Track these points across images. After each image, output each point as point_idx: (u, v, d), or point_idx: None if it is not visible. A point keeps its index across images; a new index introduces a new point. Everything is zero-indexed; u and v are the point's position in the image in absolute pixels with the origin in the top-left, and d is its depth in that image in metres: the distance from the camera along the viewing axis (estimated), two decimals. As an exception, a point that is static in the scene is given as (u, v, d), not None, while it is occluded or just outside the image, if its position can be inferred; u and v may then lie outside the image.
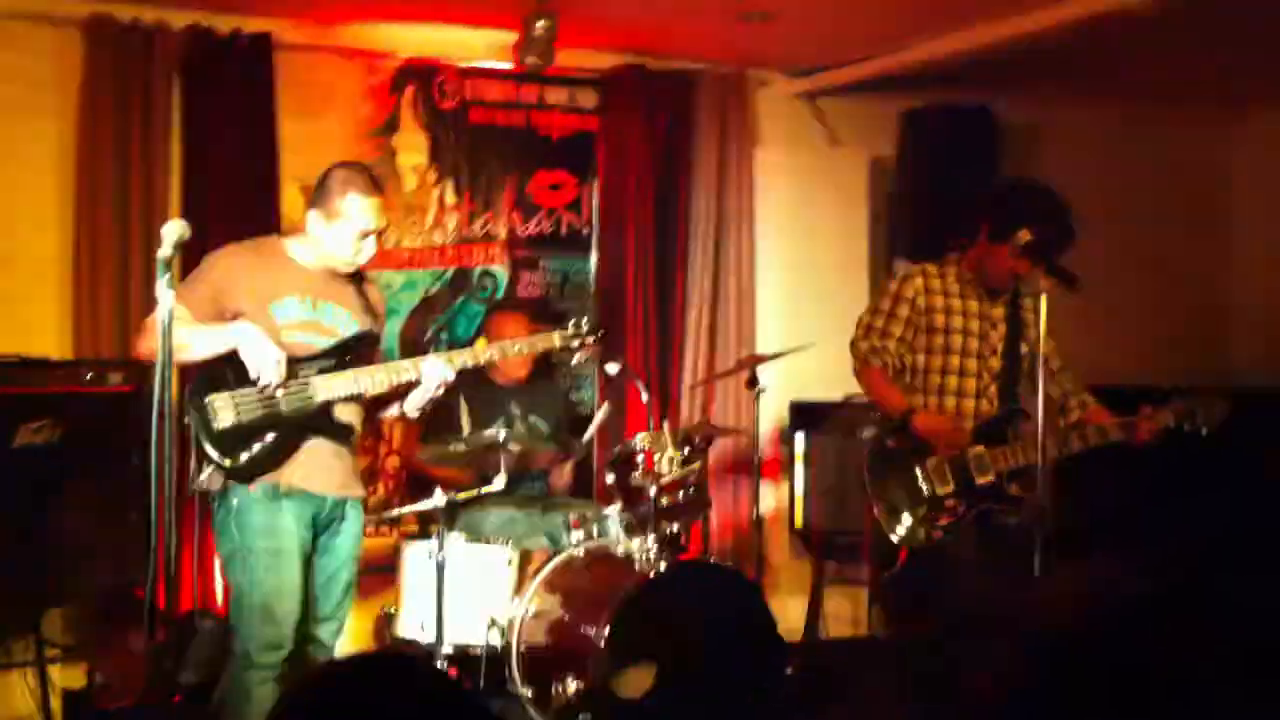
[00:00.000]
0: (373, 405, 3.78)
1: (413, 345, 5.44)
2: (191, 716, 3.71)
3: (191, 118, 5.09)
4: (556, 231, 5.82)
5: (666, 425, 4.72)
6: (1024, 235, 3.86)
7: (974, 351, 4.10)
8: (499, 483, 4.31)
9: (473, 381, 4.81)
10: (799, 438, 5.61)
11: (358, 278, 3.75)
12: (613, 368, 5.06)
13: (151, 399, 2.85)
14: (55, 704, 4.30)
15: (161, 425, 2.83)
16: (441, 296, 5.62)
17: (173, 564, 3.00)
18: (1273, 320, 6.34)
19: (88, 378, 4.28)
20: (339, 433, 3.61)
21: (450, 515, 4.23)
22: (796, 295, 6.08)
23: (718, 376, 5.63)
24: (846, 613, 5.70)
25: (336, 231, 3.57)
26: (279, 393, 3.46)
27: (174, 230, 2.97)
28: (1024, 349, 4.13)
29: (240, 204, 5.06)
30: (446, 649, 4.21)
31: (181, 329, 3.26)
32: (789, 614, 5.07)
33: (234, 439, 3.44)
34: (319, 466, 3.56)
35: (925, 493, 4.01)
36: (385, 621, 4.46)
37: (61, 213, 4.88)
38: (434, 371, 3.66)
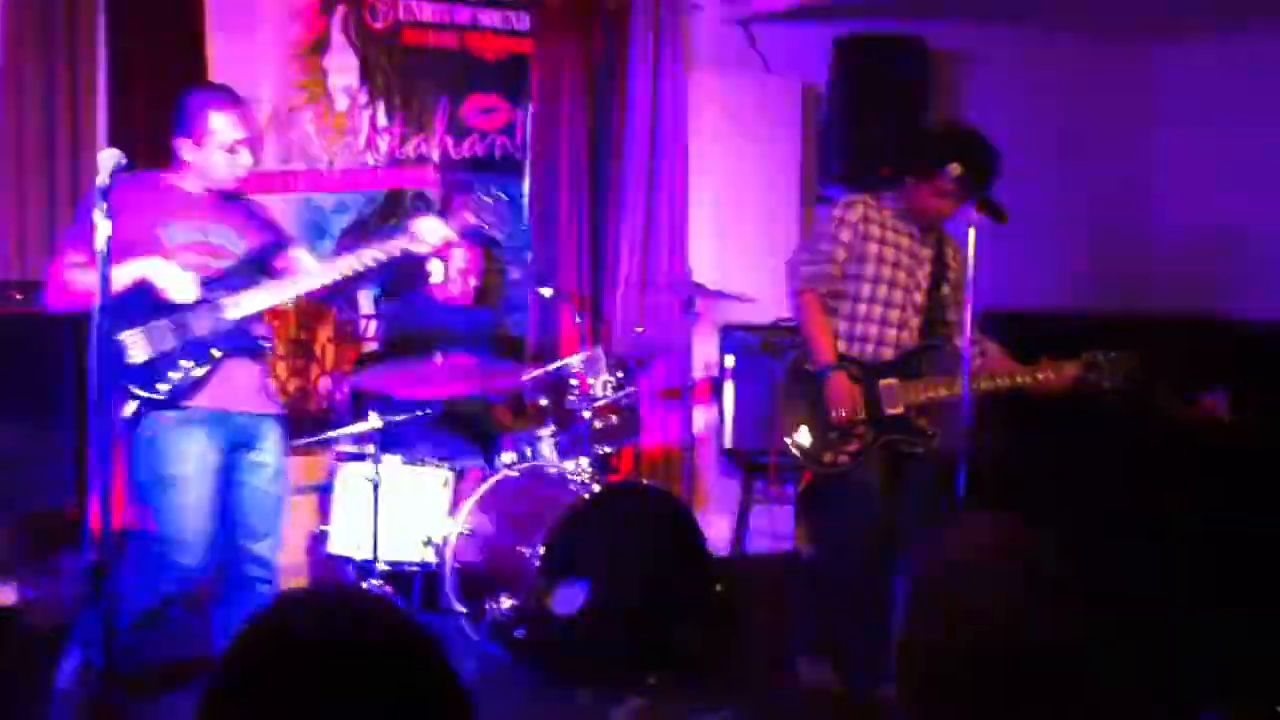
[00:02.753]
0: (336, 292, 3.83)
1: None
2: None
3: (118, 37, 5.00)
4: (490, 155, 5.81)
5: (600, 348, 4.77)
6: (955, 169, 3.94)
7: (901, 284, 4.20)
8: (431, 405, 4.35)
9: (414, 302, 4.85)
10: (729, 360, 5.69)
11: (241, 197, 3.79)
12: (545, 291, 5.10)
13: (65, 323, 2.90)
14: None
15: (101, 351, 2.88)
16: (374, 219, 5.60)
17: (107, 485, 3.05)
18: (1191, 245, 6.48)
19: (18, 299, 4.26)
20: (253, 350, 3.67)
21: (384, 437, 4.27)
22: (729, 220, 6.13)
23: (650, 298, 5.67)
24: (772, 530, 5.82)
25: (207, 152, 3.62)
26: (189, 316, 3.49)
27: (110, 158, 2.98)
28: (944, 290, 4.24)
29: (169, 125, 4.98)
30: (381, 566, 4.26)
31: (88, 275, 3.28)
32: (717, 532, 5.16)
33: (150, 371, 3.46)
34: (230, 385, 3.60)
35: (832, 418, 4.11)
36: (318, 539, 4.51)
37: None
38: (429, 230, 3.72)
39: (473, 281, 4.98)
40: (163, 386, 3.48)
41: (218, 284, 3.57)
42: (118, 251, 3.27)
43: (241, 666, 1.28)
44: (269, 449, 3.75)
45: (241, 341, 3.62)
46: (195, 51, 5.12)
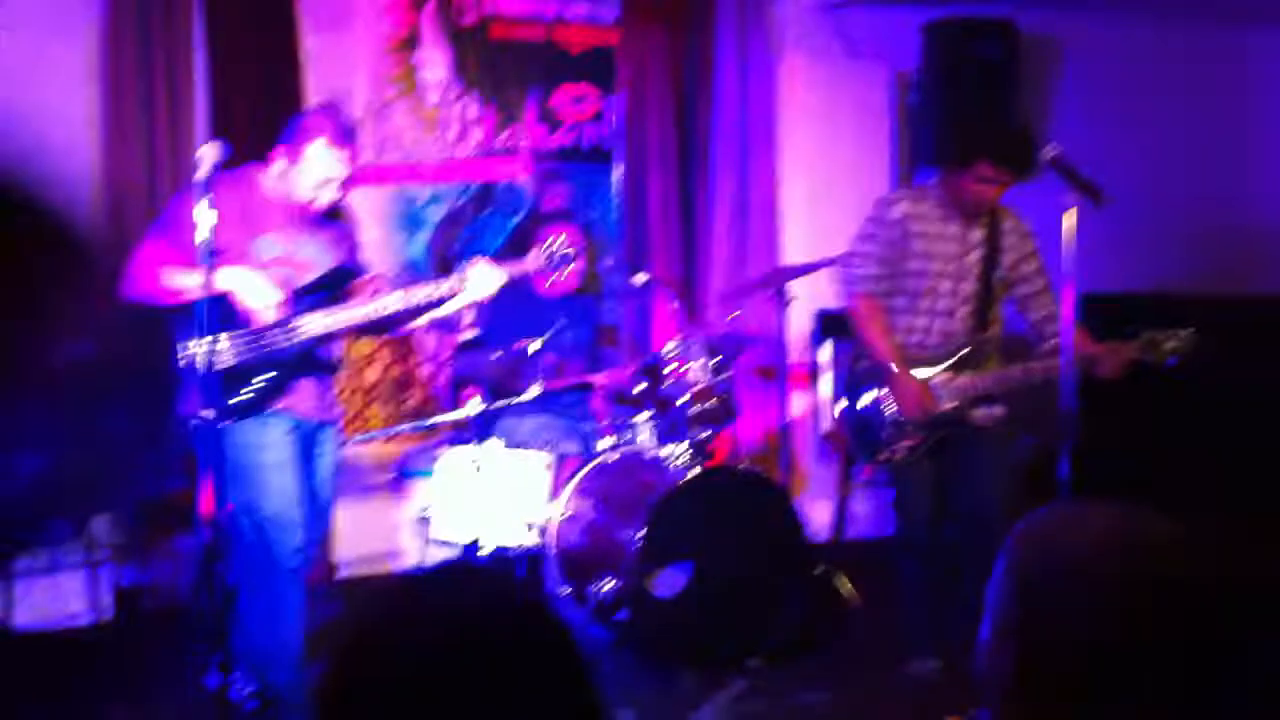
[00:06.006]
0: (385, 326, 3.87)
1: (440, 258, 5.50)
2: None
3: (214, 34, 5.09)
4: (580, 144, 5.84)
5: (695, 334, 4.77)
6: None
7: (949, 274, 4.18)
8: (533, 391, 4.38)
9: (515, 291, 4.88)
10: (825, 345, 5.67)
11: (333, 212, 3.80)
12: (640, 278, 5.11)
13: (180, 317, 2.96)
14: (106, 602, 4.43)
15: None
16: (467, 210, 5.65)
17: (217, 470, 3.12)
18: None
19: (125, 292, 4.34)
20: (326, 368, 3.76)
21: (486, 422, 4.30)
22: (820, 206, 6.10)
23: (747, 289, 5.66)
24: (873, 515, 5.79)
25: (296, 174, 3.64)
26: (268, 333, 3.55)
27: (211, 153, 3.03)
28: (1000, 273, 4.21)
29: (266, 121, 5.05)
30: (485, 550, 4.30)
31: (176, 273, 3.40)
32: (818, 517, 5.14)
33: (231, 380, 3.51)
34: (299, 395, 3.68)
35: (889, 416, 4.13)
36: (422, 524, 4.55)
37: (90, 134, 4.89)
38: (477, 283, 3.74)
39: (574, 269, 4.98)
40: (239, 397, 3.54)
41: (299, 300, 3.63)
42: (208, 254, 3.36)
43: (364, 647, 1.24)
44: (327, 454, 3.84)
45: (316, 358, 3.69)
46: (290, 47, 5.20)
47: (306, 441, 3.74)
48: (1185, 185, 6.47)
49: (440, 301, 3.78)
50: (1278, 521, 4.74)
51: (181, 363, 3.41)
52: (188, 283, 3.41)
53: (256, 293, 3.52)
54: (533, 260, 3.94)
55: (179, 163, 4.91)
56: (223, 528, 3.59)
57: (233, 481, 3.60)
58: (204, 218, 3.08)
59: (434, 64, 5.60)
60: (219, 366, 3.45)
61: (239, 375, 3.53)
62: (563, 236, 3.99)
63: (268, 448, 3.60)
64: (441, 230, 5.57)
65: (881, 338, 4.15)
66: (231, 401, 3.51)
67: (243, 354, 3.53)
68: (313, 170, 3.62)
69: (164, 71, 4.97)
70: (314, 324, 3.63)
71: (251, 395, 3.56)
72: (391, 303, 3.70)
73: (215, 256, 3.40)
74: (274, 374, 3.58)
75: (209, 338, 3.42)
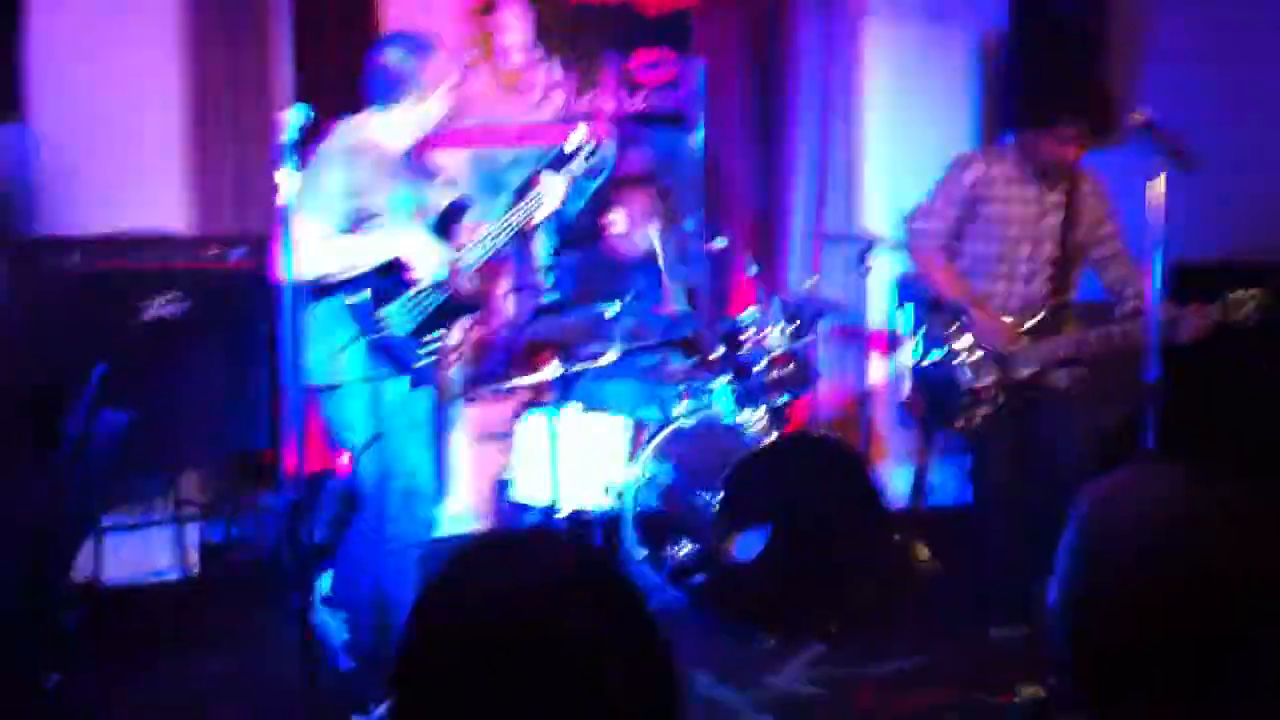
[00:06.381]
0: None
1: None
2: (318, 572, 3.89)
3: (298, 2, 5.12)
4: (659, 108, 5.82)
5: (774, 299, 4.75)
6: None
7: (1027, 238, 4.12)
8: (611, 355, 4.40)
9: (594, 254, 4.89)
10: (905, 310, 5.61)
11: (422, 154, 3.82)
12: (719, 242, 5.09)
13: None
14: (192, 558, 4.53)
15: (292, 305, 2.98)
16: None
17: (300, 430, 3.16)
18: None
19: (211, 254, 4.42)
20: (472, 305, 3.74)
21: (564, 386, 4.33)
22: (902, 172, 6.02)
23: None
24: (952, 483, 5.74)
25: (412, 116, 3.64)
26: (436, 288, 3.55)
27: (297, 116, 3.05)
28: (1078, 236, 4.14)
29: (347, 87, 5.08)
30: (563, 513, 4.34)
31: (343, 247, 3.41)
32: (895, 484, 5.11)
33: (412, 344, 3.53)
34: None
35: (964, 384, 4.10)
36: (501, 487, 4.60)
37: (182, 94, 4.95)
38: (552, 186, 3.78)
39: (654, 228, 4.97)
40: (424, 355, 3.54)
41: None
42: (344, 218, 3.38)
43: (437, 613, 1.27)
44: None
45: (462, 301, 3.67)
46: (370, 13, 5.22)
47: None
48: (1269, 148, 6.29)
49: (530, 220, 3.78)
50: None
51: (376, 332, 3.44)
52: (358, 254, 3.44)
53: (422, 254, 3.52)
54: (572, 142, 3.92)
55: (266, 120, 4.94)
56: (310, 485, 3.65)
57: (384, 440, 3.54)
58: (288, 182, 3.11)
59: (512, 28, 5.60)
60: (403, 329, 3.49)
61: (419, 335, 3.54)
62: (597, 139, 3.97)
63: (415, 409, 3.59)
64: (519, 194, 5.58)
65: (953, 282, 4.13)
66: (417, 360, 3.52)
67: (417, 315, 3.53)
68: (430, 110, 3.64)
69: (250, 41, 5.01)
70: (466, 264, 3.63)
71: (432, 351, 3.57)
72: (502, 227, 3.71)
73: (358, 222, 3.45)
74: (441, 325, 3.58)
75: (382, 311, 3.47)
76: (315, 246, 3.33)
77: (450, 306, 3.61)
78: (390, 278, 3.49)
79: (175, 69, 4.92)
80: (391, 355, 3.49)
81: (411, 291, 3.52)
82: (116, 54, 4.77)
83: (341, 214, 3.45)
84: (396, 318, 3.49)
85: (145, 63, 4.90)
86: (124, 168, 4.75)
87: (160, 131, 4.93)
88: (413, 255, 3.51)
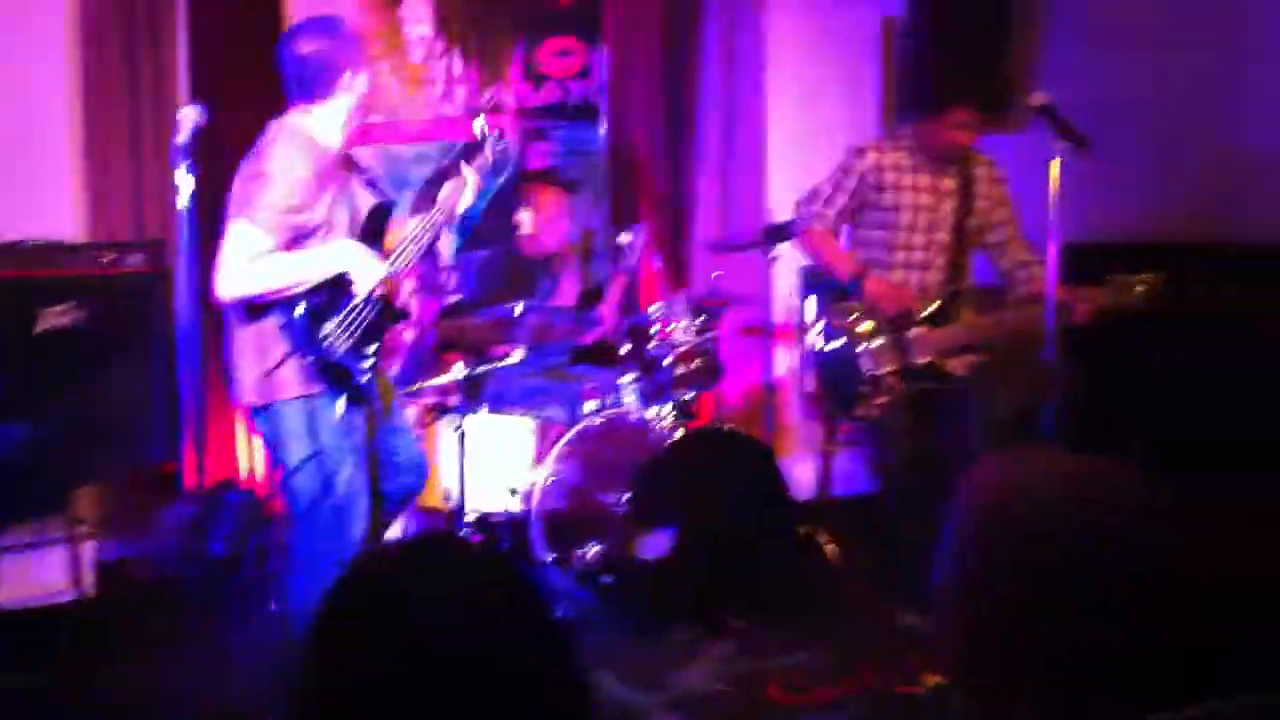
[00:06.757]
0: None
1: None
2: (221, 586, 3.83)
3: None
4: (566, 100, 5.79)
5: (680, 293, 4.76)
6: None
7: (921, 226, 4.19)
8: (516, 355, 4.38)
9: (501, 252, 4.87)
10: (809, 301, 5.64)
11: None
12: (625, 237, 5.09)
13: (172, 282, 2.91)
14: (88, 579, 4.43)
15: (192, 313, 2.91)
16: (451, 170, 5.60)
17: (201, 442, 3.11)
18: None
19: (106, 260, 4.32)
20: (404, 315, 3.68)
21: (470, 387, 4.31)
22: (807, 159, 6.04)
23: (737, 248, 5.62)
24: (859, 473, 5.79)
25: (340, 113, 3.47)
26: (372, 299, 3.42)
27: (190, 116, 2.99)
28: (973, 221, 4.20)
29: (246, 82, 5.00)
30: (470, 516, 4.32)
31: (286, 262, 3.23)
32: (802, 475, 5.16)
33: (353, 359, 3.40)
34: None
35: (864, 372, 4.16)
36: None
37: (72, 93, 4.83)
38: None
39: (564, 228, 4.95)
40: (365, 369, 3.42)
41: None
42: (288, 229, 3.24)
43: (339, 617, 1.27)
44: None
45: (395, 309, 3.57)
46: (272, 5, 5.13)
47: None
48: (1181, 128, 6.38)
49: (452, 211, 3.70)
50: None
51: (316, 352, 3.30)
52: (302, 271, 3.28)
53: (364, 267, 3.36)
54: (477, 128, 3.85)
55: (161, 120, 4.85)
56: (210, 498, 3.60)
57: (307, 463, 3.41)
58: (184, 183, 3.04)
59: (418, 19, 5.54)
60: (343, 347, 3.34)
61: (360, 349, 3.40)
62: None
63: (351, 430, 3.47)
64: (426, 190, 5.54)
65: (841, 256, 4.20)
66: (360, 375, 3.39)
67: (355, 329, 3.38)
68: (356, 105, 3.47)
69: (146, 30, 4.90)
70: (397, 269, 3.50)
71: (371, 365, 3.44)
72: (425, 227, 3.59)
73: (310, 235, 3.30)
74: (377, 338, 3.44)
75: (324, 328, 3.31)
76: (250, 264, 3.20)
77: (386, 318, 3.50)
78: (324, 291, 3.32)
79: (64, 67, 4.81)
80: (331, 373, 3.36)
81: (350, 306, 3.36)
82: (1, 52, 4.64)
83: (288, 226, 3.27)
84: (337, 335, 3.34)
85: (32, 60, 4.79)
86: (12, 171, 4.64)
87: (50, 132, 4.82)
88: (355, 268, 3.36)
